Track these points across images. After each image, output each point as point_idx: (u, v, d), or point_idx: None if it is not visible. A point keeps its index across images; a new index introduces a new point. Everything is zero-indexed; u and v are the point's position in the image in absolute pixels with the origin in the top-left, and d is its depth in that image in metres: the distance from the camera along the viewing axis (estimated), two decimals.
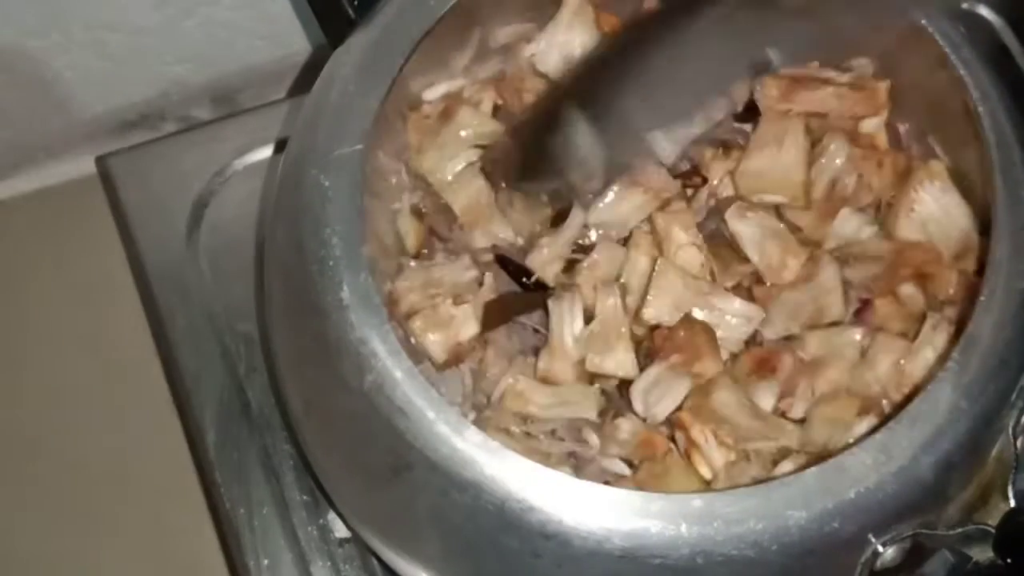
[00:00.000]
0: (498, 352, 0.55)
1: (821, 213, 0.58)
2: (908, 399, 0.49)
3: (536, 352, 0.55)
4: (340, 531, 0.63)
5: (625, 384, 0.54)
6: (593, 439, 0.53)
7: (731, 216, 0.57)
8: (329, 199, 0.49)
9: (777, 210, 0.58)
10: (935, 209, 0.56)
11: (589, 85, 0.55)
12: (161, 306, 0.69)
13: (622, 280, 0.56)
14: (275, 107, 0.75)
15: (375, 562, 0.62)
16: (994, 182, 0.51)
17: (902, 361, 0.53)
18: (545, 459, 0.51)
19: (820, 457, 0.48)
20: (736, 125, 0.60)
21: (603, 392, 0.54)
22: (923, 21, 0.54)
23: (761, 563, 0.44)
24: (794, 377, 0.54)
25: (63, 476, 0.73)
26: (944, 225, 0.56)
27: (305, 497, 0.64)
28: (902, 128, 0.60)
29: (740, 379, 0.54)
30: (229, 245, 0.70)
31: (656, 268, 0.55)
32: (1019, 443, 0.48)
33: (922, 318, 0.54)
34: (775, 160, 0.57)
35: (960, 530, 0.46)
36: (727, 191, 0.59)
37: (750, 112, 0.59)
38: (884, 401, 0.53)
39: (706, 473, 0.51)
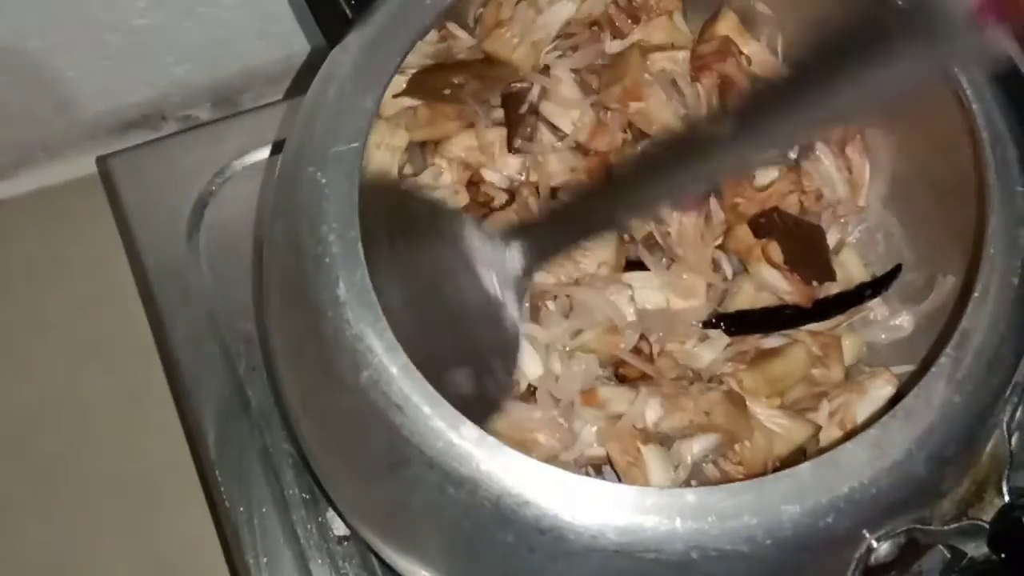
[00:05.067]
0: None
1: None
2: None
3: None
4: (339, 529, 0.63)
5: None
6: None
7: None
8: (326, 196, 0.49)
9: None
10: None
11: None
12: (161, 305, 0.69)
13: None
14: (274, 108, 0.76)
15: (374, 559, 0.62)
16: (987, 178, 0.51)
17: None
18: None
19: None
20: None
21: None
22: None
23: (755, 558, 0.44)
24: None
25: (63, 475, 0.74)
26: None
27: (304, 495, 0.64)
28: None
29: None
30: (229, 244, 0.70)
31: None
32: (1013, 439, 0.49)
33: None
34: None
35: (955, 525, 0.47)
36: None
37: None
38: None
39: None
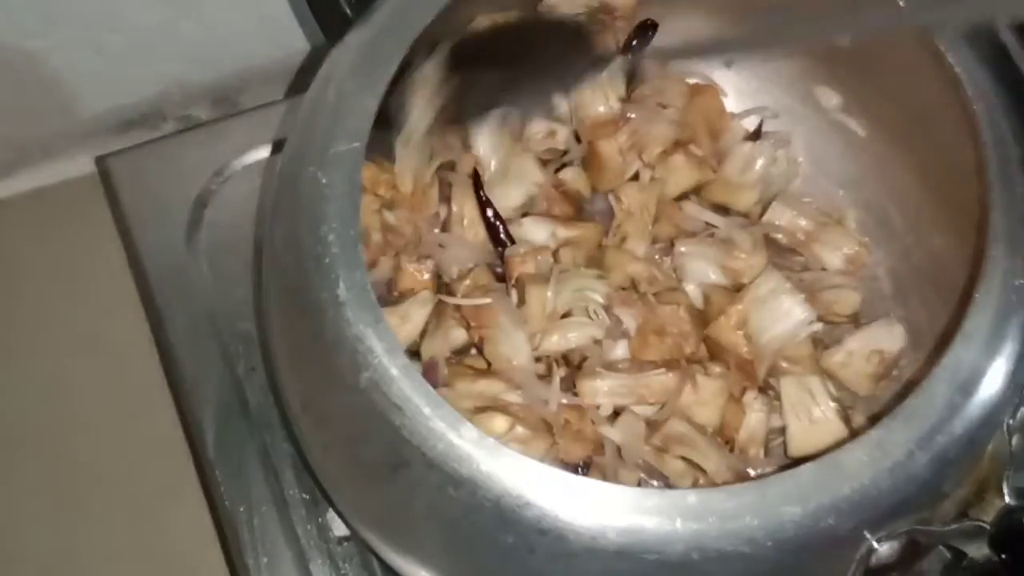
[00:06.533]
0: None
1: None
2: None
3: None
4: (339, 529, 0.63)
5: None
6: None
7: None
8: (326, 196, 0.49)
9: None
10: None
11: None
12: (160, 305, 0.69)
13: None
14: (274, 107, 0.75)
15: (374, 560, 0.62)
16: (989, 179, 0.51)
17: None
18: None
19: None
20: None
21: None
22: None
23: (756, 559, 0.44)
24: None
25: (62, 475, 0.74)
26: None
27: (304, 495, 0.64)
28: None
29: None
30: (228, 244, 0.70)
31: None
32: (1014, 440, 0.48)
33: None
34: None
35: (956, 526, 0.47)
36: None
37: None
38: None
39: None
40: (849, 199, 0.67)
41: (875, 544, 0.45)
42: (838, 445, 0.48)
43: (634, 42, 0.64)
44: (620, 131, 0.64)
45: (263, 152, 0.72)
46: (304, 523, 0.64)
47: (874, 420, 0.49)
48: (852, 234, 0.66)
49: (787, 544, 0.44)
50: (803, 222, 0.65)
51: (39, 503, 0.73)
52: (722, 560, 0.44)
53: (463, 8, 0.57)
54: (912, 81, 0.57)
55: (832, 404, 0.58)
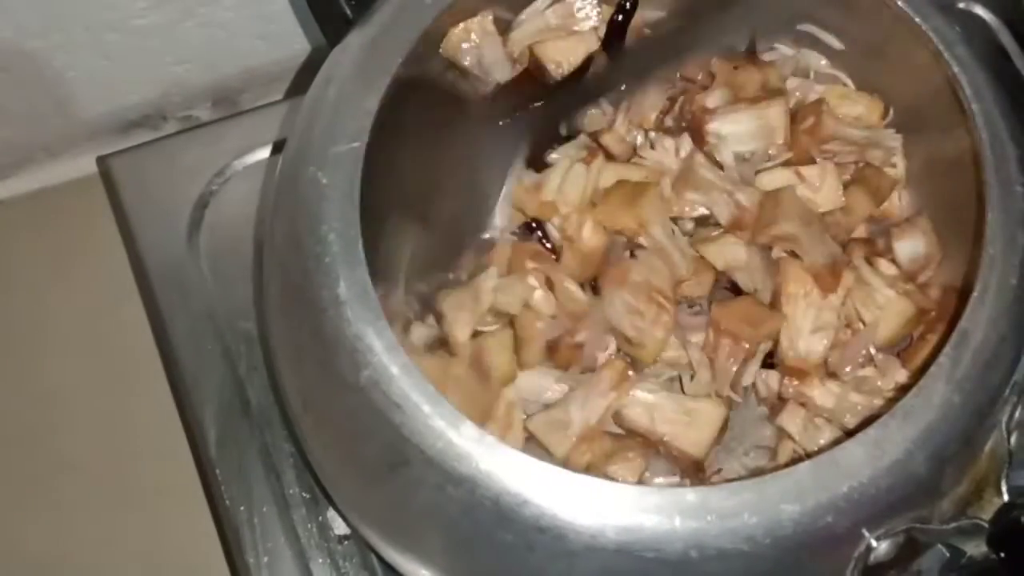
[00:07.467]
0: None
1: None
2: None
3: None
4: (339, 528, 0.63)
5: None
6: None
7: None
8: (326, 196, 0.50)
9: None
10: None
11: None
12: (162, 305, 0.69)
13: None
14: (275, 108, 0.76)
15: (374, 558, 0.62)
16: (987, 179, 0.51)
17: None
18: None
19: None
20: None
21: None
22: (917, 19, 0.54)
23: (755, 557, 0.44)
24: None
25: (64, 474, 0.74)
26: None
27: (305, 494, 0.64)
28: None
29: None
30: (229, 244, 0.70)
31: None
32: (1012, 438, 0.49)
33: None
34: None
35: (954, 524, 0.47)
36: None
37: None
38: None
39: None
40: None
41: (873, 542, 0.45)
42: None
43: (619, 17, 0.63)
44: (616, 118, 0.63)
45: (264, 152, 0.72)
46: (305, 522, 0.64)
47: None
48: None
49: (786, 542, 0.44)
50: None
51: (39, 503, 0.73)
52: (721, 558, 0.44)
53: (463, 7, 0.57)
54: (910, 81, 0.57)
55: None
